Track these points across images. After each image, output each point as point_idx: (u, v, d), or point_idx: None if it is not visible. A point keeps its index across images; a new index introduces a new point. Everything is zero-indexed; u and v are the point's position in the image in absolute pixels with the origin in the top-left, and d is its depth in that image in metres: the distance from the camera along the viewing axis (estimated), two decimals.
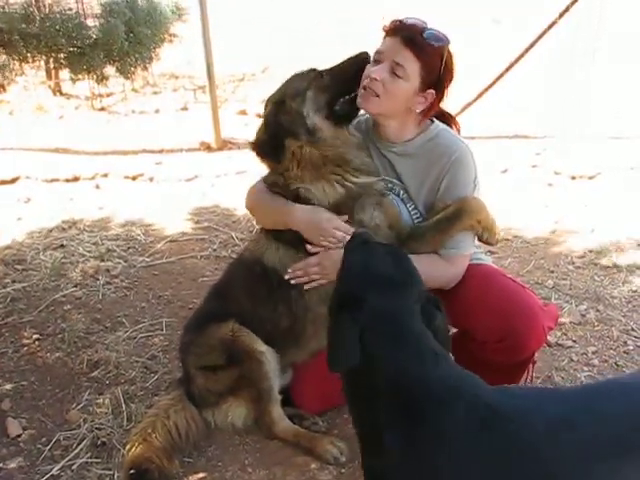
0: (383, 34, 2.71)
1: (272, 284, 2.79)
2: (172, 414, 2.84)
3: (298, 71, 2.85)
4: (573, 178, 5.71)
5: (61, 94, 8.49)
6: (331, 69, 2.79)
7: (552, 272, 4.26)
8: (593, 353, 3.46)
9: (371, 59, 2.71)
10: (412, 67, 2.60)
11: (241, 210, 5.25)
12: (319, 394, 2.96)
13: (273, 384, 2.81)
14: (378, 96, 2.62)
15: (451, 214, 2.67)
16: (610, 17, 6.44)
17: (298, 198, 2.73)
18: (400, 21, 2.65)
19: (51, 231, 4.99)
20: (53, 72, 8.25)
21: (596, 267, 4.30)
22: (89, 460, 2.81)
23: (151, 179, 5.91)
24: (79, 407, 3.13)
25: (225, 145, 6.66)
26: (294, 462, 2.76)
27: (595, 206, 5.19)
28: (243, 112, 7.58)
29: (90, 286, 4.17)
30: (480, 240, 2.77)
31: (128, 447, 2.70)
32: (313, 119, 2.71)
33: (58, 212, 5.34)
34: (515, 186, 5.61)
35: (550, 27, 6.25)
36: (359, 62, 2.72)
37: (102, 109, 8.00)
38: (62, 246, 4.71)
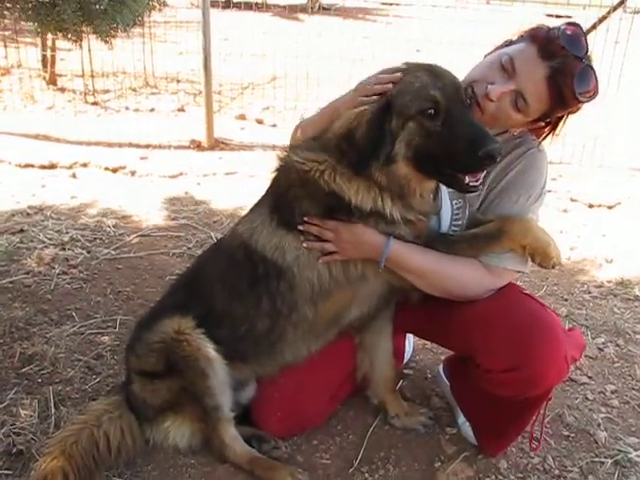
0: (525, 32, 2.21)
1: (257, 273, 2.25)
2: (105, 422, 2.35)
3: (423, 72, 2.09)
4: (590, 206, 5.29)
5: (55, 85, 8.12)
6: (450, 122, 2.01)
7: (566, 300, 3.78)
8: (612, 392, 2.97)
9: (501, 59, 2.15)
10: (538, 107, 2.18)
11: (225, 211, 4.78)
12: (285, 414, 2.48)
13: (220, 401, 2.30)
14: (482, 112, 2.18)
15: (490, 232, 2.21)
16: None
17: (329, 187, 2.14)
18: (560, 43, 2.09)
19: (14, 215, 4.52)
20: (49, 63, 7.92)
21: (615, 298, 3.83)
22: None
23: (133, 173, 5.44)
24: (1, 407, 2.65)
25: (217, 145, 6.18)
26: None
27: (614, 236, 4.74)
28: (242, 117, 7.16)
29: (43, 274, 3.70)
30: (533, 262, 2.23)
31: (42, 459, 2.21)
32: (398, 151, 2.06)
33: (26, 197, 4.88)
34: None
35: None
36: (481, 159, 1.96)
37: (95, 103, 7.58)
38: (22, 231, 4.25)
